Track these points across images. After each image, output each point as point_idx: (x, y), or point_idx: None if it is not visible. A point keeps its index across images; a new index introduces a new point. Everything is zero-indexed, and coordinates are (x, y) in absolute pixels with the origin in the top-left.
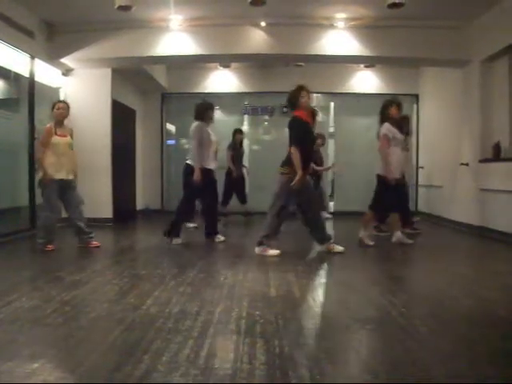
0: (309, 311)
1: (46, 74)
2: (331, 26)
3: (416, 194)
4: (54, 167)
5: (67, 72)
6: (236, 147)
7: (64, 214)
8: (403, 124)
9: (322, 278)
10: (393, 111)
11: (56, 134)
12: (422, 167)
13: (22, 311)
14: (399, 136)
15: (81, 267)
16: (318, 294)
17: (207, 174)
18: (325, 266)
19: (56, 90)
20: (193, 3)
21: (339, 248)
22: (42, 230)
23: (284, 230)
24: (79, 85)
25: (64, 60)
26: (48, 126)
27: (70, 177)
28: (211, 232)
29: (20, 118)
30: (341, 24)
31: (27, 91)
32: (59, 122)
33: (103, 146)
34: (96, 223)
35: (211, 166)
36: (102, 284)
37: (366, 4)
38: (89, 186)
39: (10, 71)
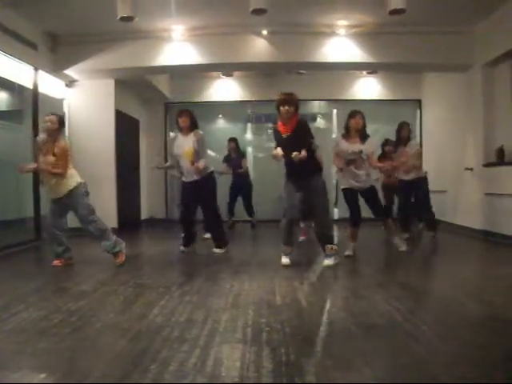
0: (315, 318)
1: (49, 85)
2: (333, 34)
3: None
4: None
5: (70, 83)
6: (228, 157)
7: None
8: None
9: (327, 285)
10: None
11: (42, 151)
12: (426, 172)
13: (29, 322)
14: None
15: (86, 277)
16: (323, 301)
17: None
18: (330, 272)
19: (60, 102)
20: (194, 13)
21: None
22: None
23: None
24: (83, 96)
25: (67, 71)
26: (39, 139)
27: (60, 195)
28: None
29: (24, 129)
30: (342, 31)
31: (31, 103)
32: (49, 135)
33: (107, 156)
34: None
35: None
36: (108, 294)
37: (367, 11)
38: (93, 196)
39: (14, 83)
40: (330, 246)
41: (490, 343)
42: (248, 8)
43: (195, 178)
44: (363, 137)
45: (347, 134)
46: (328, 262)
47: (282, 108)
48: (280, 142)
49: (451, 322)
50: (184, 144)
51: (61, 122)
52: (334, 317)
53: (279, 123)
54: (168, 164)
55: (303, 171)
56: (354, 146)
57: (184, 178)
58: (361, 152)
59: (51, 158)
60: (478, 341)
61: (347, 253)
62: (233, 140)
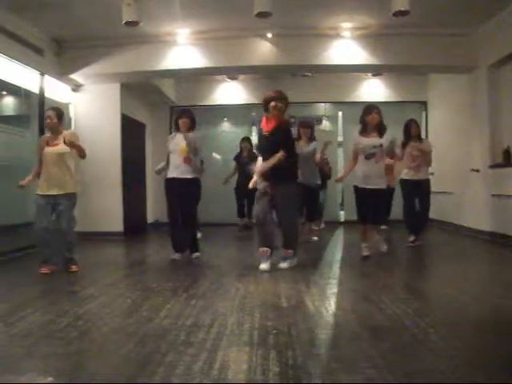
0: (321, 321)
1: (55, 90)
2: (337, 36)
3: None
4: (41, 181)
5: (76, 88)
6: (240, 156)
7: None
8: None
9: (333, 288)
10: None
11: (48, 144)
12: (432, 174)
13: (36, 325)
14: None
15: (93, 281)
16: (329, 304)
17: None
18: (335, 274)
19: (66, 106)
20: (199, 17)
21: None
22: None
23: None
24: (89, 100)
25: (73, 76)
26: (42, 137)
27: (60, 192)
28: None
29: (31, 134)
30: (347, 33)
31: (37, 107)
32: (52, 131)
33: (114, 160)
34: (107, 237)
35: None
36: (115, 297)
37: (372, 13)
38: (99, 200)
39: (20, 88)
40: (290, 250)
41: (498, 346)
42: (252, 11)
43: (182, 176)
44: (382, 131)
45: (364, 129)
46: (284, 264)
47: (271, 103)
48: (260, 140)
49: (458, 324)
50: (180, 142)
51: (59, 115)
52: (340, 319)
53: (264, 120)
54: (163, 164)
55: (275, 176)
56: (374, 140)
57: (169, 174)
58: (381, 146)
59: (63, 147)
60: (486, 344)
61: (365, 253)
62: (247, 140)
